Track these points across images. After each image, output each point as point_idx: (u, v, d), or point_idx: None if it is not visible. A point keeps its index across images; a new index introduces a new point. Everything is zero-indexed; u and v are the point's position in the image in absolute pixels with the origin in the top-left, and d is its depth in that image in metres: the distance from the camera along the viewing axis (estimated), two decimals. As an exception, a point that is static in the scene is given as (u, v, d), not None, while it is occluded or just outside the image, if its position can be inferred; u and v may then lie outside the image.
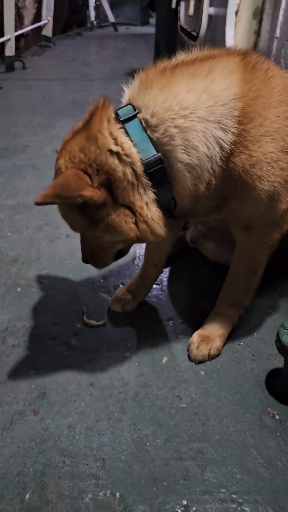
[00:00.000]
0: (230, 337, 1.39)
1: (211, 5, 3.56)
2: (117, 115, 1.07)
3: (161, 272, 1.58)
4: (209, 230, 1.64)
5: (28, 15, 6.49)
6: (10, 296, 1.60)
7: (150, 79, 1.08)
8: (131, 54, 6.72)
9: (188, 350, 1.36)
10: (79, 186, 1.01)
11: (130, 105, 1.07)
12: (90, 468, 1.05)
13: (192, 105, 1.03)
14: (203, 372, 1.30)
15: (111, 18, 9.63)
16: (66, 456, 1.08)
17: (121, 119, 1.05)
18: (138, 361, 1.34)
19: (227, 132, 1.03)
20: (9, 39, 5.06)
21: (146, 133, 1.04)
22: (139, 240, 1.13)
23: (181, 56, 1.14)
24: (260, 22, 2.50)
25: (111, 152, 1.04)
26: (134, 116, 1.05)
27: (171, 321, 1.50)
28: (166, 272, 1.75)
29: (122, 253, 1.28)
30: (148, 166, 1.04)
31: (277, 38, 2.00)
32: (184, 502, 0.98)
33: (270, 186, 1.10)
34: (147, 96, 1.06)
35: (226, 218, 1.23)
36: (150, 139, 1.05)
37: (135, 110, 1.06)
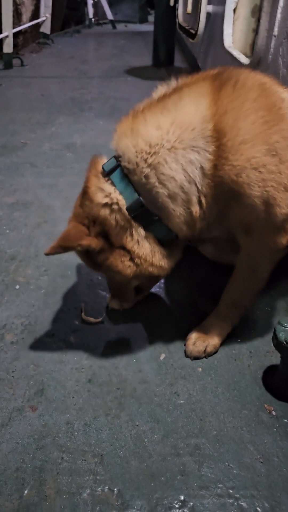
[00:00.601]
0: (228, 334, 1.40)
1: (209, 2, 3.56)
2: (103, 169, 1.19)
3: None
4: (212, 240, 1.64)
5: (26, 12, 6.46)
6: (8, 293, 1.61)
7: (124, 127, 1.17)
8: (130, 52, 6.70)
9: (185, 346, 1.37)
10: (78, 237, 1.17)
11: (113, 158, 1.19)
12: (88, 464, 1.06)
13: (160, 140, 1.11)
14: (200, 369, 1.31)
15: (110, 15, 9.60)
16: (64, 452, 1.09)
17: (106, 172, 1.18)
18: (136, 358, 1.35)
19: (201, 152, 1.10)
20: (7, 36, 5.04)
21: (129, 178, 1.15)
22: (142, 275, 1.25)
23: (156, 92, 1.22)
24: (258, 20, 2.49)
25: (101, 204, 1.17)
26: (117, 167, 1.16)
27: (169, 318, 1.50)
28: (164, 269, 1.75)
29: (142, 290, 1.46)
30: (131, 211, 1.16)
31: (275, 36, 2.00)
32: (182, 498, 0.99)
33: (262, 191, 1.12)
34: (122, 144, 1.16)
35: (228, 226, 1.24)
36: (133, 182, 1.15)
37: (117, 161, 1.17)
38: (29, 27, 6.43)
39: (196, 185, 1.12)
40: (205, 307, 1.51)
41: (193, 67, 4.92)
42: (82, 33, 8.80)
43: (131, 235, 1.19)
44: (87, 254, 1.24)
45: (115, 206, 1.16)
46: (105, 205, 1.17)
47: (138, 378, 1.28)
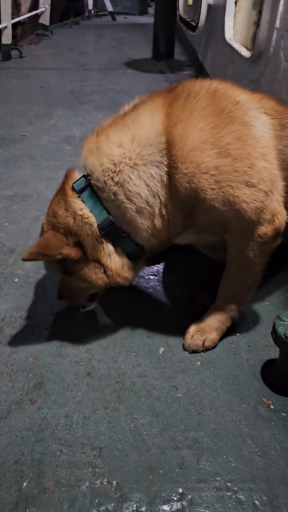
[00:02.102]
0: (227, 329, 1.39)
1: (210, -6, 3.53)
2: (73, 188, 1.24)
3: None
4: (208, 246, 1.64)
5: (25, 2, 6.40)
6: (7, 286, 1.61)
7: (90, 145, 1.22)
8: (129, 44, 6.66)
9: (183, 340, 1.37)
10: (58, 246, 1.19)
11: (82, 178, 1.24)
12: (87, 457, 1.06)
13: (123, 159, 1.17)
14: (199, 363, 1.31)
15: (109, 7, 9.52)
16: (63, 445, 1.09)
17: (77, 190, 1.23)
18: (135, 352, 1.35)
19: (159, 166, 1.16)
20: (5, 27, 5.00)
21: (98, 195, 1.21)
22: (110, 285, 1.30)
23: (119, 111, 1.28)
24: (259, 13, 2.47)
25: (75, 217, 1.21)
26: (86, 186, 1.22)
27: (168, 312, 1.50)
28: (163, 264, 1.75)
29: (96, 294, 1.48)
30: (102, 228, 1.21)
31: (277, 29, 1.98)
32: (180, 490, 1.00)
33: (217, 193, 1.15)
34: (89, 163, 1.21)
35: (203, 228, 1.28)
36: (102, 199, 1.21)
37: (86, 180, 1.22)
38: (28, 18, 6.37)
39: (159, 197, 1.18)
40: (204, 301, 1.51)
41: (193, 60, 4.89)
42: (81, 25, 8.73)
43: (103, 249, 1.24)
44: (59, 262, 1.26)
45: (87, 221, 1.21)
46: (79, 218, 1.21)
47: (137, 371, 1.29)
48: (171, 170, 1.16)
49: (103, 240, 1.23)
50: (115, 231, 1.22)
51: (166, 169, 1.16)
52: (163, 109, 1.19)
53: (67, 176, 1.29)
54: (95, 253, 1.24)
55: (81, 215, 1.21)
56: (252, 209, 1.18)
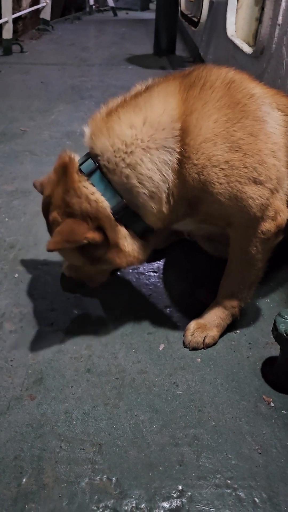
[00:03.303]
0: (228, 326, 1.39)
1: (212, -10, 3.51)
2: (81, 170, 1.19)
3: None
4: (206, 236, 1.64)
5: (26, -3, 6.37)
6: (7, 282, 1.60)
7: (98, 125, 1.19)
8: (131, 40, 6.63)
9: (184, 337, 1.37)
10: (83, 231, 1.17)
11: (90, 159, 1.20)
12: (86, 453, 1.06)
13: (135, 139, 1.14)
14: (199, 360, 1.31)
15: (111, 2, 9.47)
16: (62, 441, 1.09)
17: (85, 174, 1.19)
18: (135, 348, 1.35)
19: (172, 152, 1.14)
20: (6, 22, 4.97)
21: (108, 177, 1.18)
22: (128, 265, 1.29)
23: (129, 91, 1.25)
24: (262, 9, 2.46)
25: (90, 202, 1.18)
26: (96, 169, 1.18)
27: (168, 309, 1.50)
28: (163, 260, 1.75)
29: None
30: (116, 213, 1.19)
31: (279, 25, 1.97)
32: (180, 487, 1.00)
33: (225, 187, 1.15)
34: (99, 143, 1.18)
35: (205, 219, 1.27)
36: (113, 181, 1.18)
37: (95, 163, 1.18)
38: (29, 13, 6.34)
39: (168, 184, 1.16)
40: (204, 298, 1.50)
41: (195, 56, 4.87)
42: (82, 20, 8.69)
43: (120, 232, 1.22)
44: (82, 249, 1.23)
45: (101, 205, 1.18)
46: (95, 203, 1.18)
47: (137, 368, 1.28)
48: (182, 158, 1.14)
49: (117, 224, 1.21)
50: (129, 214, 1.20)
51: (177, 157, 1.14)
52: (178, 95, 1.17)
53: (69, 160, 1.23)
54: (113, 237, 1.21)
55: (94, 200, 1.18)
56: (257, 206, 1.18)
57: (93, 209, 1.18)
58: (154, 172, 1.15)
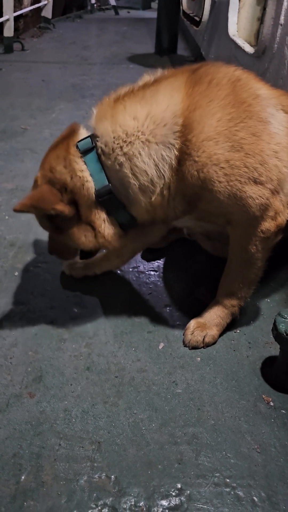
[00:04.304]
0: (228, 325, 1.39)
1: (214, -11, 3.51)
2: (78, 147, 1.21)
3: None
4: (204, 233, 1.64)
5: (28, -5, 6.36)
6: (7, 280, 1.60)
7: (105, 109, 1.21)
8: (132, 39, 6.62)
9: (183, 336, 1.37)
10: (53, 201, 1.19)
11: (89, 138, 1.21)
12: (85, 451, 1.06)
13: (136, 131, 1.16)
14: (199, 359, 1.31)
15: (112, 1, 9.46)
16: (62, 438, 1.09)
17: (80, 151, 1.20)
18: (135, 347, 1.35)
19: (171, 148, 1.15)
20: (8, 20, 4.96)
21: (102, 160, 1.19)
22: (96, 249, 1.33)
23: (138, 81, 1.25)
24: (264, 9, 2.46)
25: (74, 175, 1.20)
26: (92, 148, 1.20)
27: (168, 308, 1.50)
28: (163, 259, 1.75)
29: (90, 253, 1.46)
30: (99, 195, 1.20)
31: (281, 25, 1.97)
32: (179, 486, 1.00)
33: (225, 186, 1.15)
34: (102, 127, 1.19)
35: (204, 216, 1.28)
36: (105, 165, 1.19)
37: (92, 143, 1.20)
38: (30, 11, 6.33)
39: (164, 179, 1.17)
40: (204, 297, 1.50)
41: (196, 56, 4.86)
42: (84, 19, 8.68)
43: (98, 214, 1.23)
44: (50, 218, 1.26)
45: (86, 184, 1.20)
46: (79, 179, 1.20)
47: (137, 366, 1.28)
48: (182, 154, 1.15)
49: (98, 206, 1.22)
50: (112, 201, 1.22)
51: (176, 153, 1.15)
52: (184, 89, 1.17)
53: (72, 132, 1.26)
54: (89, 215, 1.23)
55: (80, 177, 1.20)
56: (257, 205, 1.18)
57: (72, 183, 1.20)
58: (149, 167, 1.16)
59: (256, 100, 1.18)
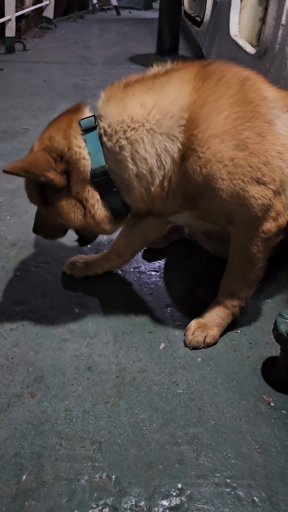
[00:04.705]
0: (228, 325, 1.39)
1: (216, -10, 3.51)
2: (80, 124, 1.21)
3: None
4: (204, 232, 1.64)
5: (29, -5, 6.37)
6: (8, 280, 1.60)
7: (114, 92, 1.20)
8: (133, 39, 6.62)
9: (184, 336, 1.37)
10: (45, 167, 1.17)
11: (92, 117, 1.21)
12: (86, 451, 1.06)
13: (141, 119, 1.15)
14: (200, 359, 1.31)
15: (114, 1, 9.48)
16: (63, 438, 1.09)
17: (82, 129, 1.20)
18: (136, 347, 1.35)
19: (174, 141, 1.14)
20: (9, 20, 4.97)
21: (102, 141, 1.18)
22: (85, 229, 1.30)
23: (150, 70, 1.25)
24: (265, 9, 2.46)
25: (71, 148, 1.19)
26: (94, 128, 1.19)
27: (169, 308, 1.50)
28: (164, 260, 1.75)
29: (88, 240, 1.44)
30: (94, 175, 1.19)
31: (283, 25, 1.97)
32: (179, 486, 1.00)
33: (228, 184, 1.15)
34: (108, 108, 1.19)
35: (205, 215, 1.27)
36: (106, 146, 1.18)
37: (95, 122, 1.19)
38: (32, 11, 6.35)
39: (164, 170, 1.16)
40: (205, 297, 1.50)
41: (198, 56, 4.86)
42: (85, 19, 8.69)
43: (91, 193, 1.22)
44: (39, 187, 1.24)
45: (82, 160, 1.19)
46: (77, 153, 1.19)
47: (137, 367, 1.28)
48: (186, 149, 1.14)
49: (92, 186, 1.21)
50: (107, 183, 1.20)
51: (180, 146, 1.14)
52: (192, 83, 1.17)
53: (77, 109, 1.26)
54: (80, 191, 1.22)
55: (77, 152, 1.19)
56: (259, 205, 1.18)
57: (68, 154, 1.18)
58: (150, 156, 1.15)
59: (263, 101, 1.18)
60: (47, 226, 1.38)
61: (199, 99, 1.14)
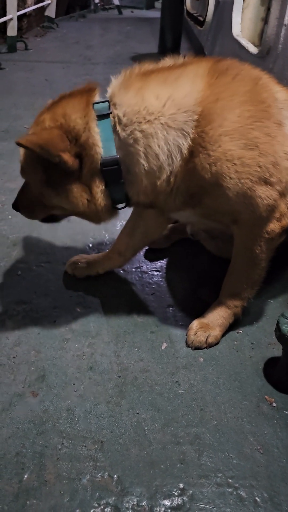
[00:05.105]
0: (230, 325, 1.39)
1: (218, -11, 3.51)
2: (94, 108, 1.15)
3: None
4: (207, 231, 1.64)
5: (31, -6, 6.37)
6: (10, 279, 1.60)
7: (130, 80, 1.16)
8: (135, 38, 6.62)
9: (186, 336, 1.37)
10: (61, 147, 1.11)
11: (107, 103, 1.15)
12: (88, 450, 1.06)
13: (156, 111, 1.12)
14: (202, 359, 1.31)
15: (116, 0, 9.47)
16: (64, 438, 1.09)
17: (96, 114, 1.14)
18: (138, 347, 1.35)
19: (186, 137, 1.12)
20: (11, 19, 4.97)
21: (116, 129, 1.14)
22: (82, 215, 1.25)
23: (163, 62, 1.22)
24: (268, 9, 2.46)
25: (88, 131, 1.13)
26: (107, 115, 1.14)
27: (171, 308, 1.50)
28: (166, 260, 1.75)
29: (55, 218, 1.38)
30: (104, 164, 1.14)
31: (285, 25, 1.97)
32: (181, 486, 1.00)
33: (235, 183, 1.14)
34: (124, 96, 1.14)
35: (209, 213, 1.26)
36: (118, 136, 1.14)
37: (109, 109, 1.14)
38: (34, 10, 6.34)
39: (173, 166, 1.14)
40: (207, 297, 1.50)
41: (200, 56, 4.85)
42: (87, 18, 8.68)
43: (99, 181, 1.18)
44: (46, 167, 1.18)
45: (95, 148, 1.14)
46: (93, 138, 1.13)
47: (139, 366, 1.28)
48: (196, 145, 1.12)
49: (100, 175, 1.17)
50: (116, 173, 1.16)
51: (190, 143, 1.12)
52: (207, 77, 1.14)
53: (91, 91, 1.19)
54: (90, 178, 1.17)
55: (94, 137, 1.13)
56: (264, 206, 1.18)
57: (85, 137, 1.13)
58: (163, 153, 1.13)
59: (275, 102, 1.18)
60: (31, 205, 1.31)
61: (212, 94, 1.12)
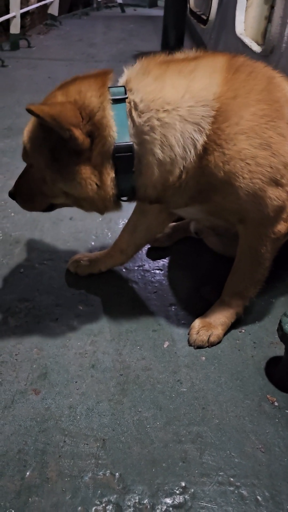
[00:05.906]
0: (232, 324, 1.39)
1: (222, -12, 3.50)
2: (110, 92, 1.11)
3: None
4: (212, 227, 1.63)
5: (34, -8, 6.36)
6: (13, 277, 1.60)
7: (150, 67, 1.13)
8: (138, 37, 6.60)
9: (188, 335, 1.37)
10: (74, 122, 1.05)
11: (123, 88, 1.11)
12: (90, 448, 1.07)
13: (174, 102, 1.08)
14: (204, 358, 1.31)
15: (119, -2, 9.47)
16: (66, 435, 1.09)
17: (112, 98, 1.09)
18: (140, 345, 1.35)
19: (202, 133, 1.09)
20: (14, 17, 4.96)
21: (132, 115, 1.09)
22: (87, 201, 1.17)
23: (179, 53, 1.20)
24: (271, 8, 2.45)
25: (104, 110, 1.08)
26: (123, 100, 1.09)
27: (173, 307, 1.50)
28: (168, 258, 1.75)
29: (50, 207, 1.32)
30: (117, 149, 1.09)
31: (289, 23, 1.96)
32: (183, 484, 1.00)
33: (247, 182, 1.13)
34: (142, 82, 1.11)
35: (216, 211, 1.25)
36: (134, 122, 1.09)
37: (125, 94, 1.10)
38: (37, 8, 6.34)
39: (185, 161, 1.11)
40: (209, 296, 1.50)
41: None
42: (90, 16, 8.67)
43: (109, 168, 1.12)
44: (52, 144, 1.11)
45: (109, 131, 1.09)
46: (108, 119, 1.08)
47: (142, 365, 1.28)
48: (210, 142, 1.09)
49: (111, 162, 1.11)
50: (128, 161, 1.11)
51: (205, 139, 1.09)
52: (225, 72, 1.12)
53: (107, 73, 1.14)
54: (100, 162, 1.11)
55: (108, 118, 1.08)
56: (273, 206, 1.17)
57: (99, 116, 1.08)
58: (178, 145, 1.09)
59: (287, 102, 1.16)
60: (33, 194, 1.26)
61: (230, 90, 1.10)
